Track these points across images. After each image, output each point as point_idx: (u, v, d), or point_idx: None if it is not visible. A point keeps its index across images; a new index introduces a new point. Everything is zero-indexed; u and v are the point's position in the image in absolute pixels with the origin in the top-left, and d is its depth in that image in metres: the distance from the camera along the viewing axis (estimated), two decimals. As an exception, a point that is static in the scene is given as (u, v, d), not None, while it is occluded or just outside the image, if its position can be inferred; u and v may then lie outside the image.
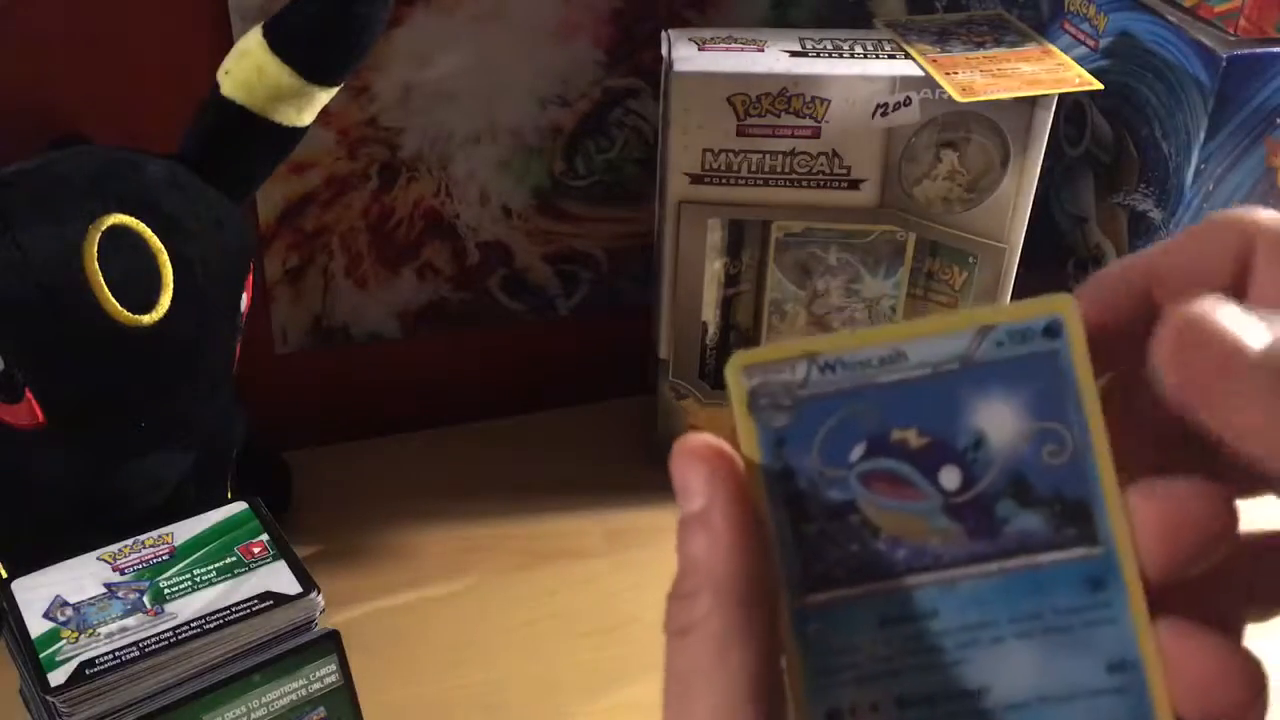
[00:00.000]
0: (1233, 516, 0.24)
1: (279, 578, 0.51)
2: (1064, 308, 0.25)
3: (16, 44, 0.64)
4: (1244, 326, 0.22)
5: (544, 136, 0.75)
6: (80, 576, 0.51)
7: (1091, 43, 0.73)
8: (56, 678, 0.46)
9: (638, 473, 0.74)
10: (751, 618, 0.24)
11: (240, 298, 0.58)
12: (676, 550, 0.26)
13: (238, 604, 0.49)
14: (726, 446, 0.26)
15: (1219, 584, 0.25)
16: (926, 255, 0.69)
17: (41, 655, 0.47)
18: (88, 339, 0.52)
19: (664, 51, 0.66)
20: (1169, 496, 0.24)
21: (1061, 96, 0.64)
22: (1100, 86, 0.63)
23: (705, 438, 0.26)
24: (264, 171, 0.60)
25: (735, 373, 0.26)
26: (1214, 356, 0.22)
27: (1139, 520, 0.25)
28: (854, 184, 0.66)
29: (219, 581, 0.51)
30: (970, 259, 0.68)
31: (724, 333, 0.72)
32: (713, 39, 0.66)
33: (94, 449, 0.57)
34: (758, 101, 0.64)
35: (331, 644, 0.51)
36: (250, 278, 0.59)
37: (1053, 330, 0.25)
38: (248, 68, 0.55)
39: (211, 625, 0.48)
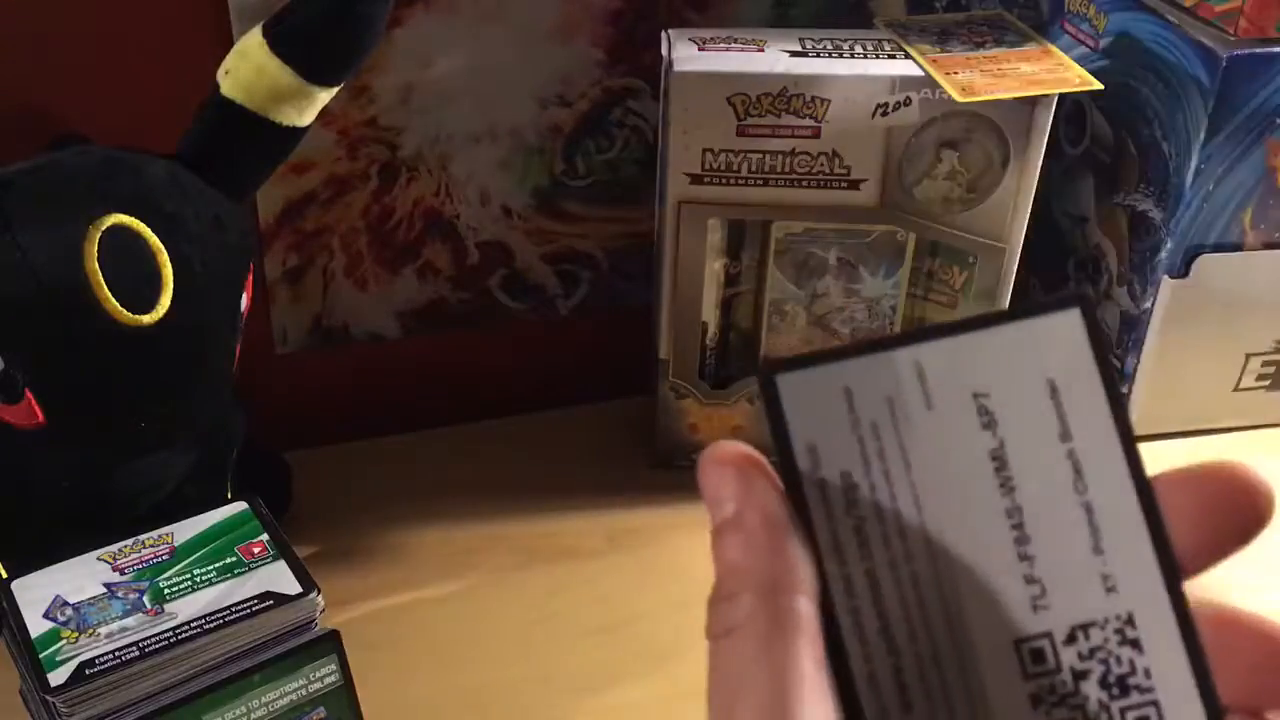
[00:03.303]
0: (1268, 495, 0.24)
1: (279, 578, 0.51)
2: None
3: (16, 44, 0.64)
4: None
5: (544, 136, 0.75)
6: (80, 576, 0.51)
7: (1091, 43, 0.73)
8: (56, 678, 0.46)
9: (638, 473, 0.74)
10: (796, 613, 0.24)
11: (240, 298, 0.58)
12: (714, 560, 0.25)
13: (238, 604, 0.49)
14: (754, 452, 0.26)
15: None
16: (926, 255, 0.69)
17: (41, 655, 0.47)
18: (88, 339, 0.52)
19: (664, 51, 0.66)
20: (1202, 479, 0.25)
21: (1061, 96, 0.64)
22: (1100, 86, 0.63)
23: (732, 445, 0.26)
24: (264, 172, 0.60)
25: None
26: None
27: (1172, 508, 0.25)
28: (854, 184, 0.66)
29: (219, 581, 0.51)
30: (970, 259, 0.68)
31: (724, 333, 0.72)
32: (713, 39, 0.66)
33: (94, 449, 0.57)
34: (758, 101, 0.64)
35: (331, 644, 0.51)
36: (250, 278, 0.59)
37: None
38: (248, 68, 0.55)
39: (211, 625, 0.48)
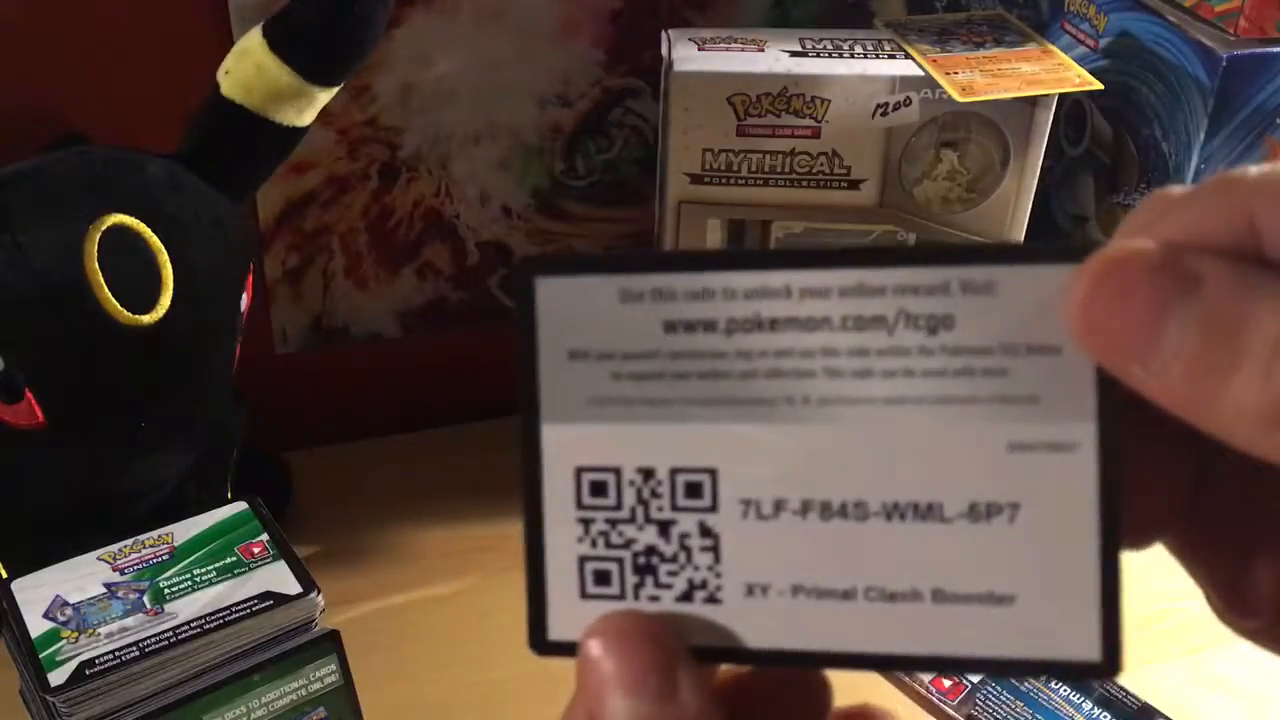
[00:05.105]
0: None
1: (279, 578, 0.51)
2: None
3: (16, 44, 0.64)
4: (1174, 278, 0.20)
5: (544, 136, 0.75)
6: (80, 576, 0.51)
7: (1091, 43, 0.73)
8: (56, 678, 0.46)
9: (638, 473, 0.74)
10: None
11: (240, 298, 0.58)
12: None
13: (238, 604, 0.49)
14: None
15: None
16: (926, 255, 0.69)
17: (41, 655, 0.47)
18: (87, 339, 0.52)
19: (664, 51, 0.66)
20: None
21: (1061, 96, 0.64)
22: (1100, 86, 0.63)
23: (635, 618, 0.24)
24: (264, 172, 0.60)
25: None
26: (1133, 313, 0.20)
27: None
28: (854, 184, 0.66)
29: (219, 581, 0.51)
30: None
31: (724, 333, 0.72)
32: (713, 39, 0.66)
33: (94, 449, 0.57)
34: (758, 101, 0.64)
35: (331, 644, 0.51)
36: (250, 278, 0.59)
37: None
38: (248, 68, 0.55)
39: (211, 625, 0.48)
